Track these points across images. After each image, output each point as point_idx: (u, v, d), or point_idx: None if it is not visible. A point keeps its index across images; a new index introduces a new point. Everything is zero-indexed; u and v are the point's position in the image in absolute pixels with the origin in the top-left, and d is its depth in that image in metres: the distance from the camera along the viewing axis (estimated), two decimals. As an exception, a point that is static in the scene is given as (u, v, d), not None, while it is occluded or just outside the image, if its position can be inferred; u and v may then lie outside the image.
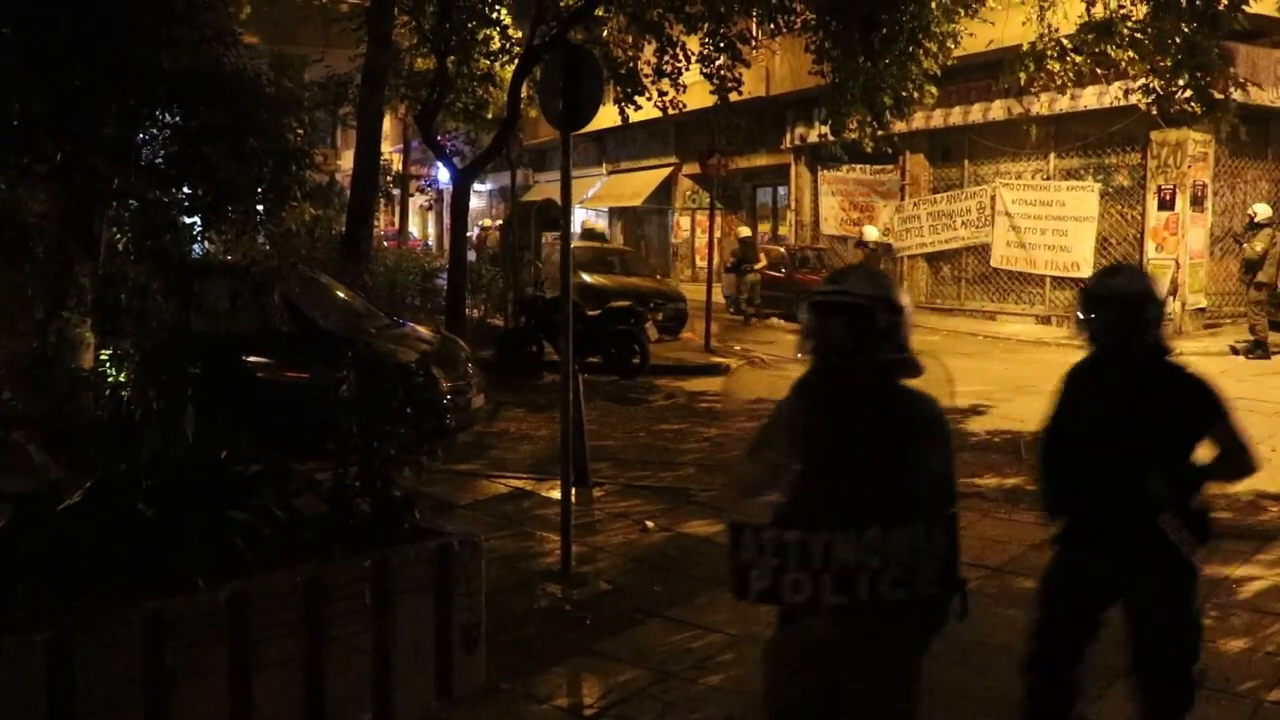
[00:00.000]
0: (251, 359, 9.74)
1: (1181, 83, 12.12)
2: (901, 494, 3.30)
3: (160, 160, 8.14)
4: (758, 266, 23.16)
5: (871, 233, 23.48)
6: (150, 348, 8.41)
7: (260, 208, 8.53)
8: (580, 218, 34.32)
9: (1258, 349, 16.22)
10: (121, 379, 8.33)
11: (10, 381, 8.00)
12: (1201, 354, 17.01)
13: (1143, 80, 13.14)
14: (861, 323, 3.37)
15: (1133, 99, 13.71)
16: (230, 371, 9.41)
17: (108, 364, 8.44)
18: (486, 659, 5.04)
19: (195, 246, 9.24)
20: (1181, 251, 19.38)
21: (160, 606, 3.92)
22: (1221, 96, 11.93)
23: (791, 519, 3.36)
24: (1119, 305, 4.02)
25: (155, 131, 8.28)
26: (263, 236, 10.40)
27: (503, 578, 6.37)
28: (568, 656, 5.52)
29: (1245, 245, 16.46)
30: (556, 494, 7.46)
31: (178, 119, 8.05)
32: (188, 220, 8.51)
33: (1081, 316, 4.13)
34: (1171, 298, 19.34)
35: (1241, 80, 12.06)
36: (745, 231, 24.90)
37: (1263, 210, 16.70)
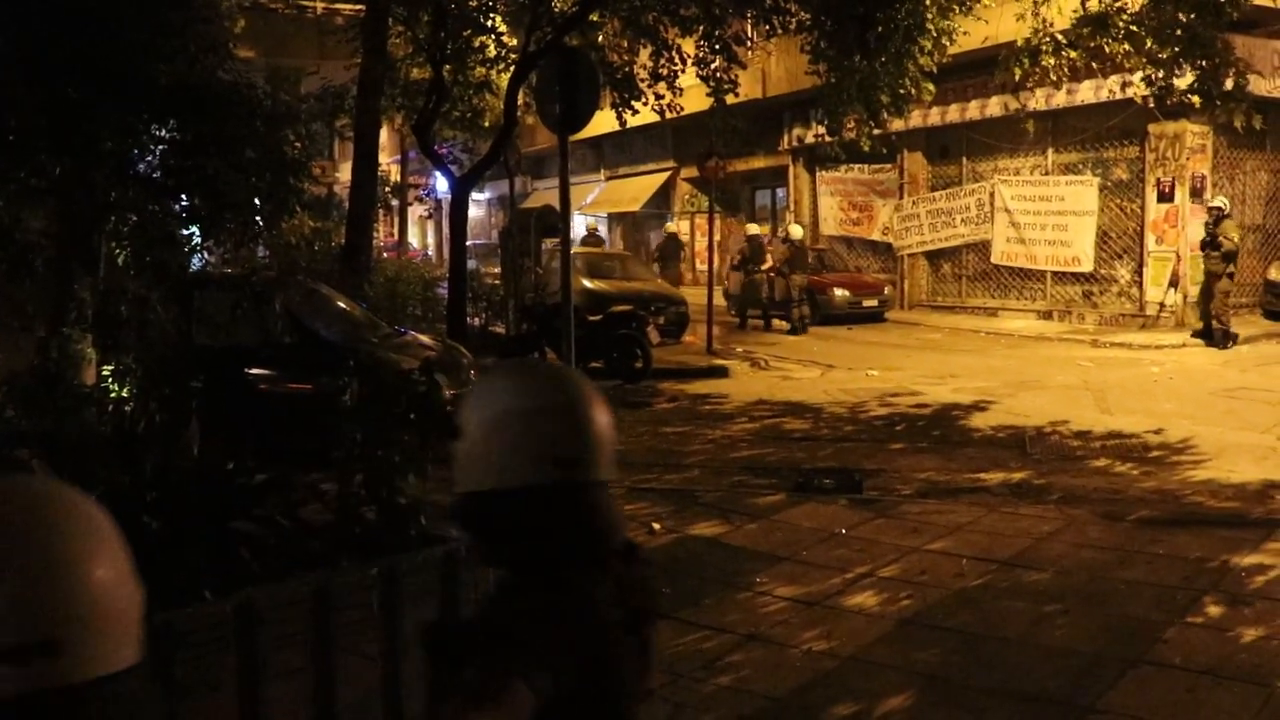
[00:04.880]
0: (254, 371, 9.72)
1: (1178, 74, 12.10)
2: None
3: (157, 173, 8.15)
4: (764, 267, 22.54)
5: (796, 230, 23.49)
6: (152, 362, 8.41)
7: (259, 218, 8.55)
8: (582, 222, 34.11)
9: (1227, 339, 16.84)
10: (124, 394, 8.33)
11: (14, 399, 8.00)
12: (1200, 345, 17.07)
13: (1140, 73, 13.12)
14: None
15: (1130, 92, 13.68)
16: (233, 384, 9.40)
17: (110, 379, 8.45)
18: (496, 665, 5.02)
19: (195, 259, 9.24)
20: (1182, 244, 19.34)
21: (168, 618, 3.91)
22: (1229, 87, 11.85)
23: None
24: None
25: (152, 145, 8.30)
26: (262, 248, 10.41)
27: (510, 583, 6.35)
28: (577, 660, 5.49)
29: (1222, 239, 16.80)
30: (562, 498, 7.42)
31: (174, 132, 8.07)
32: (186, 232, 8.52)
33: None
34: (1173, 290, 19.38)
35: (1244, 69, 11.95)
36: (754, 229, 24.36)
37: (1224, 201, 17.54)
